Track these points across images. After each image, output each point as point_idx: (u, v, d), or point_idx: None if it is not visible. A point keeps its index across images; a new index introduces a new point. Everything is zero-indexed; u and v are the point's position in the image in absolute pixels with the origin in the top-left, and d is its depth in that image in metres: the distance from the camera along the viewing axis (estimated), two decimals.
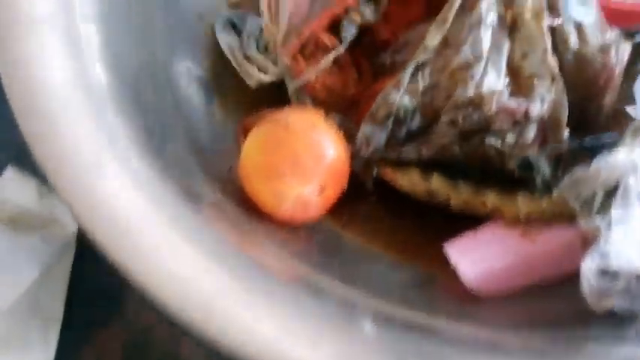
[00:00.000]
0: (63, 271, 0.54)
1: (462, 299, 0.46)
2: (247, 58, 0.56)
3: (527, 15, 0.46)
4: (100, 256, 0.38)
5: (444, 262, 0.47)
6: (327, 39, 0.52)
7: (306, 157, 0.46)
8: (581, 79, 0.47)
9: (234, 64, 0.56)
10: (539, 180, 0.45)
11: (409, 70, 0.47)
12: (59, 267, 0.54)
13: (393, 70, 0.51)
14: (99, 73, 0.44)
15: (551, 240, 0.45)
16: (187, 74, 0.54)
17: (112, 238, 0.38)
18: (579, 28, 0.46)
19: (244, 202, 0.47)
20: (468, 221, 0.48)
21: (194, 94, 0.54)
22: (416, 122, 0.48)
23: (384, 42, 0.53)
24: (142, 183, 0.41)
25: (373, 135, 0.48)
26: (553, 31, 0.46)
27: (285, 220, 0.47)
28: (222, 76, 0.56)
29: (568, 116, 0.46)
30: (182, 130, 0.50)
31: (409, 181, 0.49)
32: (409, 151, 0.48)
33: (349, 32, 0.52)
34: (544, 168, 0.46)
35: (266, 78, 0.54)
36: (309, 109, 0.51)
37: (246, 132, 0.49)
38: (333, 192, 0.48)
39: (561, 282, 0.44)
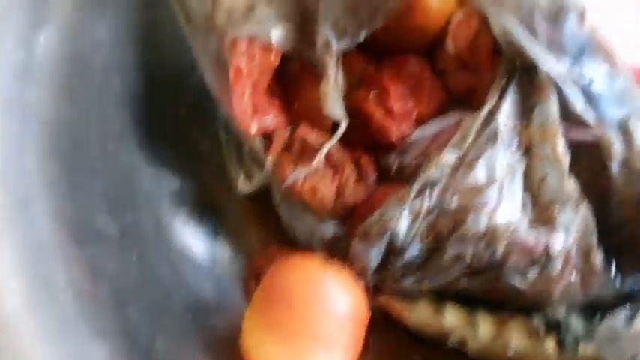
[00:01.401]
0: None
1: None
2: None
3: (540, 136, 0.37)
4: None
5: None
6: (312, 138, 0.44)
7: (325, 330, 0.39)
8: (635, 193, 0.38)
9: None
10: (569, 339, 0.38)
11: (416, 186, 0.39)
12: None
13: (399, 176, 0.43)
14: None
15: None
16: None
17: None
18: (624, 130, 0.37)
19: None
20: None
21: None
22: (414, 249, 0.40)
23: (390, 141, 0.44)
24: None
25: (364, 255, 0.41)
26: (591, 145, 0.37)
27: None
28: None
29: (609, 242, 0.38)
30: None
31: (418, 316, 0.42)
32: (409, 282, 0.41)
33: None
34: (575, 326, 0.38)
35: (244, 188, 0.47)
36: (305, 261, 0.43)
37: (256, 277, 0.43)
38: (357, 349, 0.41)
39: None
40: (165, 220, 0.46)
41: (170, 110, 0.48)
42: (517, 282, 0.38)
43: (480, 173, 0.38)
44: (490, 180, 0.38)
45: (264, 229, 0.48)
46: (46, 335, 0.36)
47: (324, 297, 0.39)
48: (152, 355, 0.39)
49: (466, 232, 0.38)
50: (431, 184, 0.39)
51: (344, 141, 0.42)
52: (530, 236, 0.37)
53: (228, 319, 0.44)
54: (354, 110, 0.43)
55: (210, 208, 0.49)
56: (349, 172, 0.43)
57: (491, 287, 0.39)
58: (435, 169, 0.39)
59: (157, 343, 0.40)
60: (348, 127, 0.42)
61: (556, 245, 0.37)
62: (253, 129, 0.43)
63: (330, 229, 0.43)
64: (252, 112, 0.43)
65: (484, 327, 0.40)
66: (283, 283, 0.40)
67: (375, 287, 0.42)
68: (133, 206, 0.45)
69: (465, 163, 0.39)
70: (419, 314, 0.41)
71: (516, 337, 0.39)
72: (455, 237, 0.38)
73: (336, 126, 0.42)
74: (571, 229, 0.37)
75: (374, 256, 0.41)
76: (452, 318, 0.41)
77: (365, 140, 0.44)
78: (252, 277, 0.45)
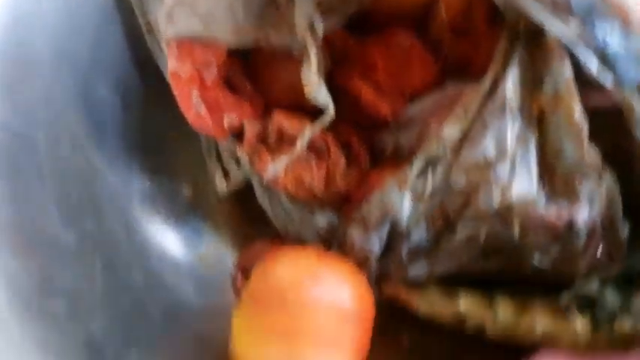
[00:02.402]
0: None
1: None
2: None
3: (554, 103, 0.34)
4: None
5: None
6: (289, 125, 0.40)
7: (325, 329, 0.35)
8: None
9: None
10: (603, 315, 0.35)
11: (417, 165, 0.36)
12: None
13: (396, 157, 0.39)
14: None
15: None
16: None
17: None
18: None
19: None
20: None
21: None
22: (420, 233, 0.36)
23: (381, 118, 0.40)
24: None
25: (364, 243, 0.37)
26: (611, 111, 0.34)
27: None
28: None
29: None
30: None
31: (429, 303, 0.38)
32: (417, 270, 0.37)
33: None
34: (611, 301, 0.35)
35: (223, 187, 0.42)
36: (301, 256, 0.38)
37: (244, 273, 0.39)
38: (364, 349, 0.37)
39: None
40: (137, 223, 0.42)
41: (136, 106, 0.43)
42: (537, 260, 0.35)
43: (488, 147, 0.35)
44: (500, 153, 0.34)
45: (249, 225, 0.44)
46: None
47: (323, 291, 0.35)
48: None
49: (478, 211, 0.35)
50: (433, 162, 0.36)
51: (330, 123, 0.38)
52: (550, 211, 0.34)
53: (215, 322, 0.40)
54: (338, 89, 0.39)
55: (188, 207, 0.44)
56: (338, 156, 0.40)
57: (509, 268, 0.36)
58: (437, 146, 0.36)
59: (130, 357, 0.35)
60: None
61: (580, 218, 0.34)
62: (215, 130, 0.39)
63: (323, 219, 0.39)
64: (210, 113, 0.39)
65: (504, 310, 0.37)
66: (276, 278, 0.36)
67: (379, 278, 0.38)
68: (95, 211, 0.41)
69: (469, 138, 0.35)
70: (430, 302, 0.38)
71: (541, 318, 0.36)
72: (466, 217, 0.35)
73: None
74: (595, 201, 0.34)
75: (375, 244, 0.37)
76: (467, 303, 0.37)
77: (354, 120, 0.40)
78: (240, 274, 0.40)
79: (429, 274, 0.37)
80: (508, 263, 0.36)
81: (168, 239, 0.43)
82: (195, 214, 0.44)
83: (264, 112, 0.40)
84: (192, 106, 0.39)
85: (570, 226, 0.34)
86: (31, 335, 0.33)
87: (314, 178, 0.40)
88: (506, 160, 0.34)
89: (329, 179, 0.40)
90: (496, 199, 0.34)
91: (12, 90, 0.39)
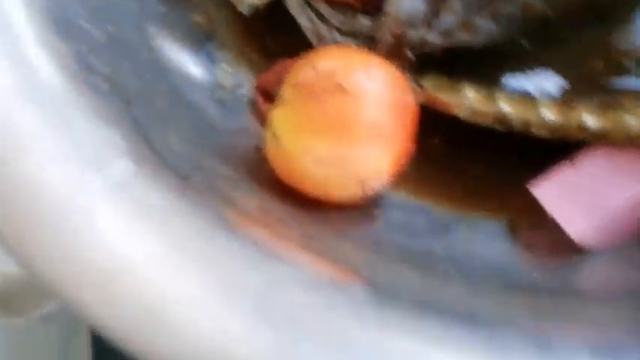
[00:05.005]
0: None
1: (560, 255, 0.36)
2: None
3: None
4: None
5: (527, 209, 0.36)
6: None
7: (379, 119, 0.33)
8: None
9: None
10: None
11: None
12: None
13: None
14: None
15: None
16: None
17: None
18: None
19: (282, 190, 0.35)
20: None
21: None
22: None
23: None
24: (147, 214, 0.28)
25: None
26: None
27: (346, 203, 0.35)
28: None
29: None
30: (183, 119, 0.37)
31: (467, 106, 0.37)
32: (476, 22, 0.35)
33: None
34: None
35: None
36: (345, 49, 0.37)
37: (265, 95, 0.36)
38: (408, 152, 0.36)
39: None
40: (156, 42, 0.40)
41: None
42: None
43: None
44: None
45: (266, 49, 0.42)
46: (45, 121, 0.29)
47: (376, 80, 0.34)
48: (167, 149, 0.32)
49: None
50: None
51: None
52: None
53: (241, 140, 0.38)
54: None
55: (204, 32, 0.42)
56: None
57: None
58: None
59: (170, 140, 0.33)
60: None
61: None
62: None
63: (366, 19, 0.37)
64: None
65: (548, 109, 0.36)
66: (326, 65, 0.34)
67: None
68: (114, 19, 0.38)
69: None
70: (469, 104, 0.36)
71: (591, 115, 0.35)
72: None
73: None
74: None
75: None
76: (507, 105, 0.36)
77: None
78: (262, 97, 0.38)
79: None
80: None
81: (185, 62, 0.41)
82: (210, 40, 0.42)
83: None
84: None
85: None
86: (77, 103, 0.31)
87: None
88: None
89: None
90: None
91: None
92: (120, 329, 0.26)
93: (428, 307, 0.28)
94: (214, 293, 0.26)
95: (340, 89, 0.33)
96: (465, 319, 0.28)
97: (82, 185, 0.28)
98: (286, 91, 0.34)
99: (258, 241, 0.29)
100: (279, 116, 0.34)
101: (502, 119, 0.36)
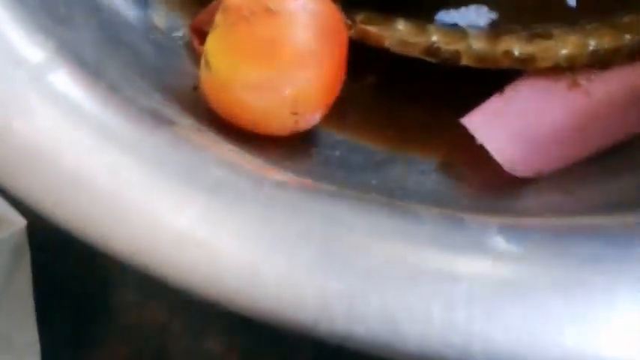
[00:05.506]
0: (24, 281, 0.38)
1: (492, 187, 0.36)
2: None
3: None
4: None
5: (460, 145, 0.37)
6: None
7: (308, 42, 0.33)
8: None
9: None
10: None
11: None
12: (19, 276, 0.38)
13: None
14: None
15: (612, 89, 0.34)
16: None
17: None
18: None
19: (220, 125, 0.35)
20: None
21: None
22: None
23: None
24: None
25: None
26: None
27: (279, 134, 0.35)
28: None
29: None
30: (118, 54, 0.36)
31: (398, 38, 0.37)
32: None
33: None
34: None
35: None
36: None
37: (200, 35, 0.36)
38: (338, 81, 0.35)
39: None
40: None
41: None
42: None
43: None
44: None
45: None
46: None
47: (306, 3, 0.34)
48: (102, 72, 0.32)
49: None
50: None
51: None
52: None
53: (177, 80, 0.38)
54: None
55: None
56: None
57: None
58: None
59: (107, 67, 0.33)
60: None
61: None
62: None
63: None
64: None
65: (477, 41, 0.36)
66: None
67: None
68: None
69: None
70: (400, 36, 0.37)
71: (515, 43, 0.35)
72: None
73: None
74: None
75: None
76: (437, 35, 0.36)
77: None
78: (198, 37, 0.38)
79: None
80: None
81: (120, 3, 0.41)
82: None
83: None
84: None
85: None
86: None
87: None
88: None
89: None
90: None
91: None
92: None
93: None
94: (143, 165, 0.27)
95: (269, 12, 0.33)
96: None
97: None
98: (217, 17, 0.34)
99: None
100: (210, 42, 0.34)
101: (432, 50, 0.37)
